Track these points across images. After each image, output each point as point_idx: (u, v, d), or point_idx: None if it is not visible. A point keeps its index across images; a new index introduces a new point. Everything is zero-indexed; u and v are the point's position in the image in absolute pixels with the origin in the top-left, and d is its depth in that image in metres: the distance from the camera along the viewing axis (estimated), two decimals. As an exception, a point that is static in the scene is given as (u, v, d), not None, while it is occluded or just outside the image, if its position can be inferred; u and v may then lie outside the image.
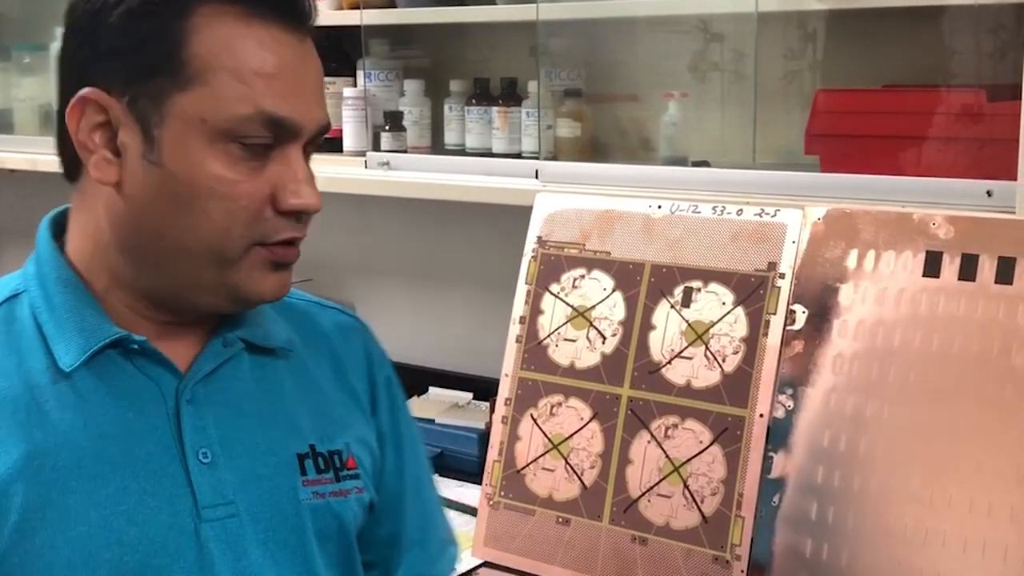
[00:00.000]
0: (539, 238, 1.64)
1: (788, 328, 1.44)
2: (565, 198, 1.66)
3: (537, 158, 1.96)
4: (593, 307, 1.58)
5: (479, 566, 1.59)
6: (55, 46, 1.84)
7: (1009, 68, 1.53)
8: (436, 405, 2.20)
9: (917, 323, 1.36)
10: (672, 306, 1.52)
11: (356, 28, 2.15)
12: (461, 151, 2.11)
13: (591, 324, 1.57)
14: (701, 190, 1.72)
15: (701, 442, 1.46)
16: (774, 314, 1.45)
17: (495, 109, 2.06)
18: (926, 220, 1.39)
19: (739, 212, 1.52)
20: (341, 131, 2.20)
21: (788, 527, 1.39)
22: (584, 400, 1.56)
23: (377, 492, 1.18)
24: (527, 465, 1.58)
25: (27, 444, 0.98)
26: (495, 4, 2.02)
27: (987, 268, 1.34)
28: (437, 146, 2.17)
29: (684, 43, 1.98)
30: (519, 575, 1.56)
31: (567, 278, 1.61)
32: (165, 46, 0.98)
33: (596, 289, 1.58)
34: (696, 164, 1.89)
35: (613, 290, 1.57)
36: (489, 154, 2.06)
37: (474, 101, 2.09)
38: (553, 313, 1.61)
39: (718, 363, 1.47)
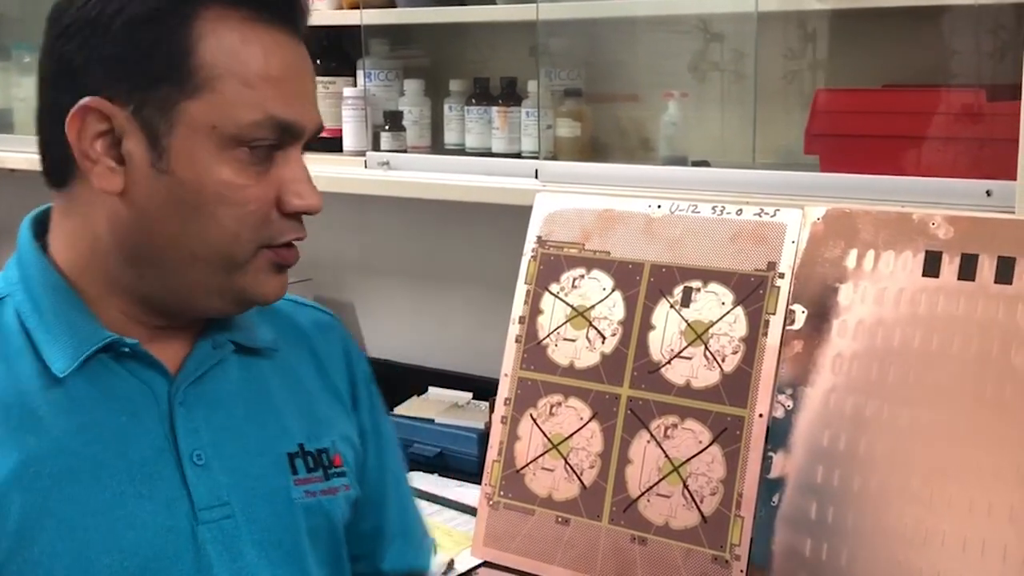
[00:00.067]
0: (539, 238, 1.64)
1: (788, 328, 1.44)
2: (565, 198, 1.66)
3: (537, 158, 1.96)
4: (593, 307, 1.58)
5: (479, 566, 1.59)
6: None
7: (1009, 68, 1.53)
8: (436, 405, 2.20)
9: (917, 323, 1.36)
10: (672, 306, 1.52)
11: (356, 28, 2.15)
12: (461, 151, 2.11)
13: (591, 324, 1.57)
14: (701, 190, 1.72)
15: (700, 442, 1.46)
16: (774, 314, 1.45)
17: (495, 109, 2.06)
18: (926, 220, 1.39)
19: (739, 212, 1.52)
20: (341, 131, 2.20)
21: (787, 527, 1.38)
22: (584, 400, 1.56)
23: (360, 487, 1.19)
24: (527, 465, 1.58)
25: (21, 451, 0.98)
26: (495, 4, 2.02)
27: (987, 268, 1.34)
28: (437, 146, 2.17)
29: (684, 43, 1.98)
30: (519, 575, 1.55)
31: (567, 278, 1.61)
32: (172, 54, 0.97)
33: (596, 289, 1.58)
34: (696, 164, 1.89)
35: (613, 290, 1.57)
36: (489, 154, 2.06)
37: (474, 101, 2.09)
38: (553, 313, 1.61)
39: (717, 363, 1.47)
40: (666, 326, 1.52)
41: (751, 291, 1.47)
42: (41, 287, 1.03)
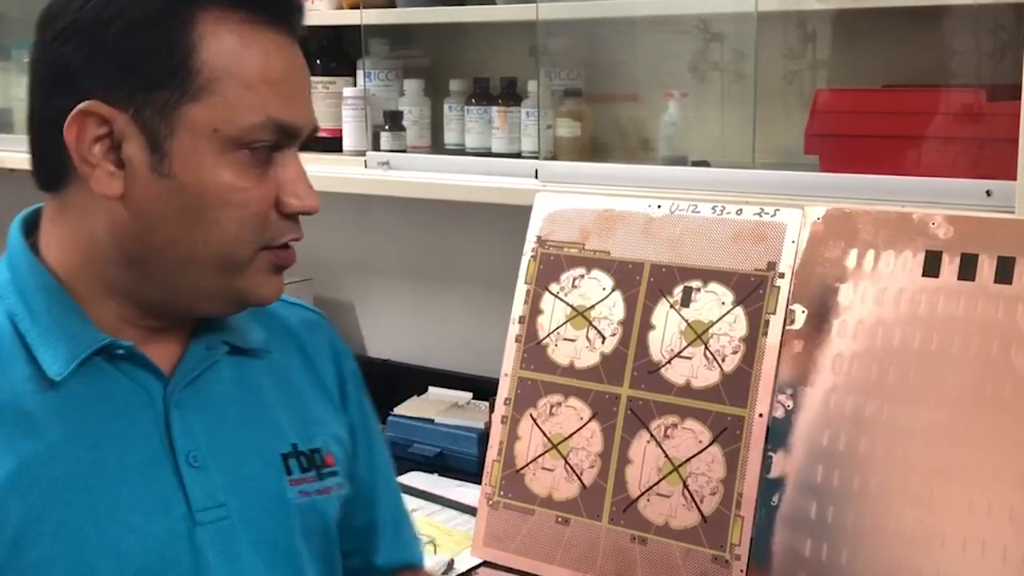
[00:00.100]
0: (539, 238, 1.64)
1: (788, 328, 1.44)
2: (565, 198, 1.66)
3: (537, 158, 1.96)
4: (593, 307, 1.58)
5: (479, 566, 1.59)
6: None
7: (1009, 68, 1.53)
8: (436, 405, 2.20)
9: (916, 323, 1.36)
10: (671, 306, 1.52)
11: (356, 28, 2.15)
12: (461, 151, 2.11)
13: (590, 324, 1.57)
14: (701, 190, 1.72)
15: (700, 442, 1.46)
16: (773, 314, 1.45)
17: (495, 109, 2.06)
18: (925, 220, 1.39)
19: (739, 212, 1.52)
20: (341, 131, 2.19)
21: (787, 527, 1.38)
22: (583, 400, 1.56)
23: (351, 483, 1.19)
24: (527, 465, 1.58)
25: (17, 456, 0.97)
26: (495, 4, 2.02)
27: (986, 268, 1.34)
28: (437, 146, 2.17)
29: (684, 43, 1.98)
30: (519, 575, 1.55)
31: (567, 278, 1.61)
32: (173, 57, 0.97)
33: (595, 289, 1.58)
34: (696, 164, 1.89)
35: (612, 290, 1.57)
36: (489, 154, 2.06)
37: (474, 101, 2.09)
38: (552, 313, 1.61)
39: (717, 363, 1.47)
40: (666, 326, 1.52)
41: (751, 291, 1.47)
42: (33, 289, 1.02)
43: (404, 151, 2.14)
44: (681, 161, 1.91)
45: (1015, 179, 1.41)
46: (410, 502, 1.84)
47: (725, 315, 1.48)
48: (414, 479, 2.00)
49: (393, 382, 2.30)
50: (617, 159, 2.01)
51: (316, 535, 1.12)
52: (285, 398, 1.14)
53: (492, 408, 1.75)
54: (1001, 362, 1.30)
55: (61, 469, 0.98)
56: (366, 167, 2.13)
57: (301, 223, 1.05)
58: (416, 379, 2.30)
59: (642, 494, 1.49)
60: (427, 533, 1.66)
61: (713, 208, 1.54)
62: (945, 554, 1.29)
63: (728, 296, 1.49)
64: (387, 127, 2.14)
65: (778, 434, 1.41)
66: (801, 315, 1.44)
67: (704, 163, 1.87)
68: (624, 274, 1.57)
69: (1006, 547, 1.26)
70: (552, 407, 1.58)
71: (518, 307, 1.63)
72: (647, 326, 1.53)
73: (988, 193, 1.50)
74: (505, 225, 1.81)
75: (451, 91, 2.14)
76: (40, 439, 0.98)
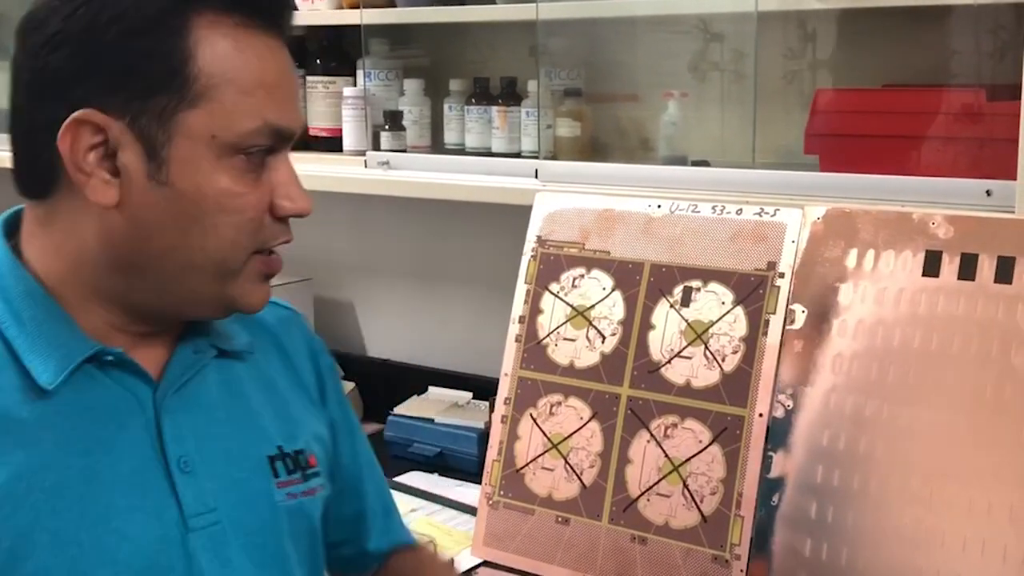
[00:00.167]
0: (539, 237, 1.64)
1: (788, 328, 1.44)
2: (565, 197, 1.66)
3: (537, 157, 1.96)
4: (593, 306, 1.58)
5: (478, 565, 1.59)
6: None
7: (1009, 68, 1.53)
8: (436, 405, 2.20)
9: (916, 323, 1.36)
10: (671, 305, 1.52)
11: (356, 28, 2.15)
12: (461, 151, 2.11)
13: (590, 323, 1.57)
14: (701, 190, 1.72)
15: (700, 441, 1.46)
16: (773, 313, 1.45)
17: (495, 108, 2.06)
18: (925, 220, 1.39)
19: (739, 212, 1.52)
20: (341, 131, 2.19)
21: (787, 526, 1.38)
22: (583, 399, 1.56)
23: (337, 476, 1.21)
24: (527, 464, 1.58)
25: (10, 466, 0.96)
26: (495, 4, 2.02)
27: (986, 268, 1.34)
28: (437, 146, 2.17)
29: (684, 43, 1.98)
30: (519, 574, 1.56)
31: (567, 277, 1.61)
32: (169, 64, 0.96)
33: (595, 288, 1.58)
34: (696, 164, 1.89)
35: (612, 289, 1.57)
36: (489, 153, 2.06)
37: (474, 100, 2.09)
38: (552, 312, 1.61)
39: (717, 363, 1.47)
40: (666, 326, 1.52)
41: (751, 291, 1.47)
42: (18, 295, 1.00)
43: (404, 151, 2.14)
44: (681, 161, 1.91)
45: (1015, 179, 1.41)
46: (410, 502, 1.85)
47: (725, 315, 1.48)
48: (414, 479, 2.00)
49: (393, 382, 2.30)
50: (617, 159, 2.01)
51: (303, 536, 1.12)
52: (268, 399, 1.14)
53: (492, 408, 1.75)
54: (1001, 362, 1.30)
55: (53, 478, 0.97)
56: (366, 167, 2.13)
57: (301, 224, 1.05)
58: (416, 379, 2.29)
59: (642, 494, 1.49)
60: (427, 533, 1.66)
61: (713, 208, 1.54)
62: (945, 554, 1.29)
63: (728, 296, 1.49)
64: (387, 127, 2.14)
65: (778, 434, 1.41)
66: (801, 315, 1.44)
67: (704, 163, 1.87)
68: (624, 274, 1.57)
69: (1006, 547, 1.26)
70: (552, 407, 1.58)
71: (518, 307, 1.63)
72: (647, 326, 1.53)
73: (988, 193, 1.50)
74: (505, 225, 1.81)
75: (451, 91, 2.14)
76: (31, 448, 0.97)
